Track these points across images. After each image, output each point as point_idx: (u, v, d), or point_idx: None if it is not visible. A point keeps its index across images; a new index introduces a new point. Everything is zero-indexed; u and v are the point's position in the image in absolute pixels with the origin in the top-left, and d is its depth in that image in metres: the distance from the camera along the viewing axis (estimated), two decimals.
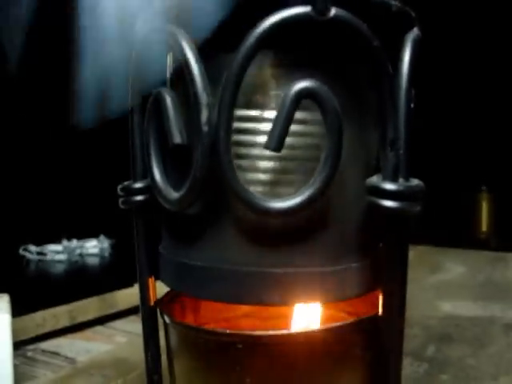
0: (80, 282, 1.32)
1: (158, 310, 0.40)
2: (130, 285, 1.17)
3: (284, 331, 0.35)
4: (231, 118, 0.31)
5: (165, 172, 0.36)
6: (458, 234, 1.85)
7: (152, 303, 0.40)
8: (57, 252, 1.50)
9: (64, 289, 1.27)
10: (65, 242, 1.53)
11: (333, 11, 0.31)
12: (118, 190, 0.39)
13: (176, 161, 0.36)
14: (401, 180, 0.33)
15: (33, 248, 1.50)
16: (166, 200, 0.35)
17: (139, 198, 0.38)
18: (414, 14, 0.36)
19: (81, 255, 1.51)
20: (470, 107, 1.88)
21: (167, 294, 0.42)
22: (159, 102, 0.34)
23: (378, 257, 0.38)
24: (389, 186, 0.33)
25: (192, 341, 0.36)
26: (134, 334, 1.01)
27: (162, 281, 0.39)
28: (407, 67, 0.34)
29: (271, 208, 0.31)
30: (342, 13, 0.31)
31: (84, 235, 1.56)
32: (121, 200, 0.39)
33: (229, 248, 0.34)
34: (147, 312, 0.40)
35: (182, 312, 0.43)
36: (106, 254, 1.54)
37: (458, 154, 1.93)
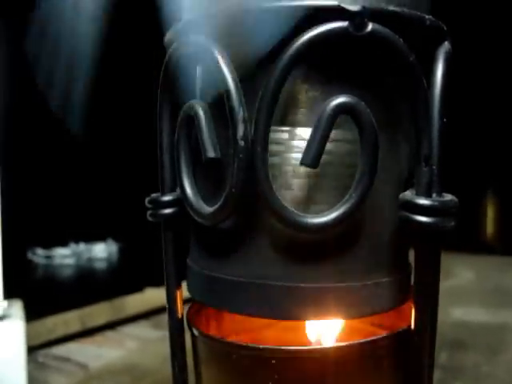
0: (89, 286, 1.32)
1: (186, 322, 0.40)
2: (139, 289, 1.17)
3: (318, 346, 0.35)
4: (268, 133, 0.31)
5: (195, 185, 0.36)
6: (464, 239, 1.85)
7: (180, 315, 0.40)
8: (65, 256, 1.50)
9: (73, 293, 1.27)
10: (72, 246, 1.53)
11: (370, 26, 0.31)
12: (146, 202, 0.39)
13: (207, 174, 0.36)
14: (434, 195, 0.33)
15: (40, 251, 1.50)
16: (198, 214, 0.35)
17: (168, 210, 0.38)
18: (445, 28, 0.36)
19: (89, 259, 1.51)
20: (476, 112, 1.87)
21: (192, 305, 0.41)
22: (191, 114, 0.34)
23: (409, 271, 0.38)
24: (423, 202, 0.33)
25: (223, 355, 0.36)
26: (145, 339, 1.01)
27: (191, 294, 0.39)
28: (440, 82, 0.34)
29: (308, 224, 0.31)
30: (379, 28, 0.31)
31: (91, 239, 1.56)
32: (149, 213, 0.39)
33: (261, 262, 0.34)
34: (175, 324, 0.40)
35: (206, 323, 0.43)
36: (114, 258, 1.54)
37: (464, 158, 1.92)
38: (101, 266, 1.50)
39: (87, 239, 1.55)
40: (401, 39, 0.32)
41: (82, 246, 1.54)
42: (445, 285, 1.29)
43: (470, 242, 1.86)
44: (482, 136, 1.90)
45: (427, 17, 0.34)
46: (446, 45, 0.35)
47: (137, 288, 1.18)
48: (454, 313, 1.06)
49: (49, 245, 1.51)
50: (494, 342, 0.91)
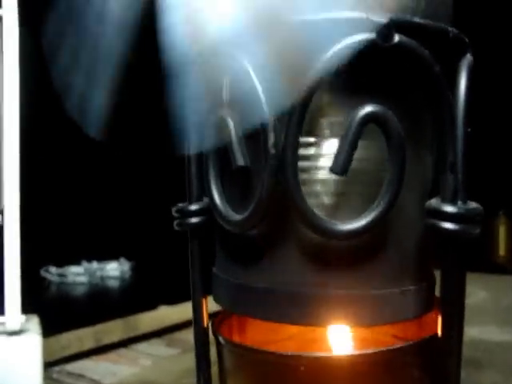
0: (102, 304, 1.32)
1: (211, 330, 0.40)
2: (152, 307, 1.17)
3: (347, 353, 0.36)
4: (298, 141, 0.32)
5: (224, 194, 0.37)
6: (475, 259, 1.84)
7: (205, 324, 0.40)
8: (78, 274, 1.50)
9: (86, 311, 1.27)
10: (85, 264, 1.53)
11: (396, 38, 0.32)
12: (173, 211, 0.40)
13: (235, 183, 0.36)
14: (459, 203, 0.34)
15: (53, 269, 1.50)
16: (227, 222, 0.35)
17: (195, 220, 0.39)
18: (467, 40, 0.37)
19: (102, 277, 1.52)
20: (488, 133, 1.88)
21: (217, 315, 0.42)
22: (221, 124, 0.35)
23: (434, 279, 0.38)
24: (449, 209, 0.33)
25: (251, 362, 0.36)
26: (158, 356, 1.01)
27: (217, 302, 0.39)
28: (464, 92, 0.35)
29: (338, 230, 0.32)
30: (406, 39, 0.32)
31: (104, 257, 1.56)
32: (176, 222, 0.40)
33: (290, 270, 0.34)
34: (200, 332, 0.40)
35: (229, 334, 0.43)
36: (127, 276, 1.54)
37: (476, 178, 1.92)
38: (114, 284, 1.50)
39: (100, 258, 1.56)
40: (426, 50, 0.32)
41: (94, 265, 1.54)
42: None
43: (483, 262, 1.85)
44: (494, 157, 1.90)
45: (450, 29, 0.35)
46: (469, 57, 0.36)
47: (150, 306, 1.18)
48: (470, 332, 1.05)
49: (62, 263, 1.52)
50: (511, 360, 0.90)
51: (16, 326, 0.76)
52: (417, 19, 0.34)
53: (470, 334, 1.04)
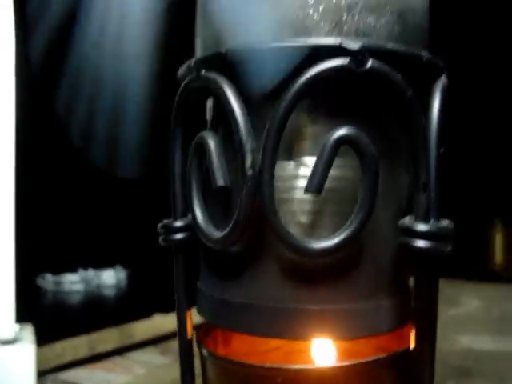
0: (97, 312, 1.33)
1: (196, 342, 0.41)
2: (147, 316, 1.18)
3: (322, 365, 0.37)
4: (274, 162, 0.33)
5: (206, 211, 0.38)
6: (471, 267, 1.85)
7: (189, 336, 0.41)
8: (74, 282, 1.51)
9: (81, 319, 1.28)
10: (81, 272, 1.54)
11: (369, 63, 0.33)
12: (158, 227, 0.41)
13: (217, 201, 0.38)
14: (432, 221, 0.35)
15: (49, 278, 1.51)
16: (208, 239, 0.36)
17: (179, 236, 0.40)
18: (442, 63, 0.39)
19: (98, 285, 1.53)
20: (484, 142, 1.89)
21: (201, 327, 0.43)
22: (202, 145, 0.37)
23: (409, 294, 0.39)
24: (421, 227, 0.34)
25: (231, 374, 0.37)
26: (152, 365, 1.02)
27: (200, 315, 0.40)
28: (437, 114, 0.36)
29: (311, 249, 0.33)
30: (378, 65, 0.33)
31: (100, 265, 1.57)
32: (161, 238, 0.41)
33: (268, 285, 0.36)
34: (185, 344, 0.42)
35: (214, 345, 0.44)
36: (123, 284, 1.55)
37: (472, 187, 1.94)
38: (109, 292, 1.51)
39: (96, 266, 1.57)
40: (399, 75, 0.34)
41: (90, 273, 1.55)
42: (452, 313, 1.30)
43: (478, 271, 1.86)
44: (489, 166, 1.91)
45: (424, 53, 0.36)
46: (443, 79, 0.38)
47: (145, 314, 1.19)
48: (461, 340, 1.06)
49: (58, 271, 1.53)
50: (502, 369, 0.91)
51: (9, 335, 0.77)
52: (390, 45, 0.35)
53: (460, 343, 1.05)
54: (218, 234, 0.36)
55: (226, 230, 0.35)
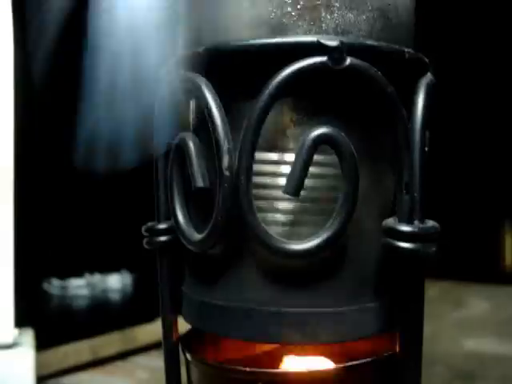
0: (102, 316, 1.33)
1: (180, 347, 0.41)
2: (150, 320, 1.17)
3: (304, 369, 0.36)
4: (251, 163, 0.32)
5: (188, 214, 0.37)
6: (481, 269, 1.83)
7: (174, 340, 0.41)
8: (79, 286, 1.52)
9: (85, 323, 1.28)
10: (87, 277, 1.55)
11: (348, 60, 0.32)
12: (143, 230, 0.41)
13: (198, 203, 0.37)
14: (416, 222, 0.34)
15: (56, 282, 1.52)
16: (188, 241, 0.36)
17: (163, 238, 0.40)
18: (427, 60, 0.38)
19: (103, 290, 1.53)
20: (495, 144, 1.88)
21: (189, 331, 0.42)
22: (183, 147, 0.36)
23: (394, 296, 0.39)
24: (404, 228, 0.34)
25: (214, 378, 0.37)
26: (155, 369, 1.01)
27: (185, 319, 0.40)
28: (421, 111, 0.35)
29: (291, 250, 0.32)
30: (357, 62, 0.32)
31: (106, 270, 1.57)
32: (145, 240, 0.40)
33: (249, 288, 0.35)
34: (169, 349, 0.41)
35: (202, 350, 0.44)
36: (129, 288, 1.55)
37: (481, 189, 1.92)
38: (115, 296, 1.51)
39: (102, 270, 1.57)
40: (379, 72, 0.33)
41: (96, 277, 1.55)
42: (459, 315, 1.28)
43: (487, 272, 1.83)
44: (499, 168, 1.89)
45: (406, 50, 0.36)
46: (428, 76, 0.37)
47: (148, 319, 1.18)
48: (467, 344, 1.05)
49: (64, 275, 1.53)
50: (508, 373, 0.90)
51: (8, 340, 0.78)
52: (370, 41, 0.34)
53: (466, 347, 1.04)
54: (197, 237, 0.35)
55: (205, 232, 0.34)
